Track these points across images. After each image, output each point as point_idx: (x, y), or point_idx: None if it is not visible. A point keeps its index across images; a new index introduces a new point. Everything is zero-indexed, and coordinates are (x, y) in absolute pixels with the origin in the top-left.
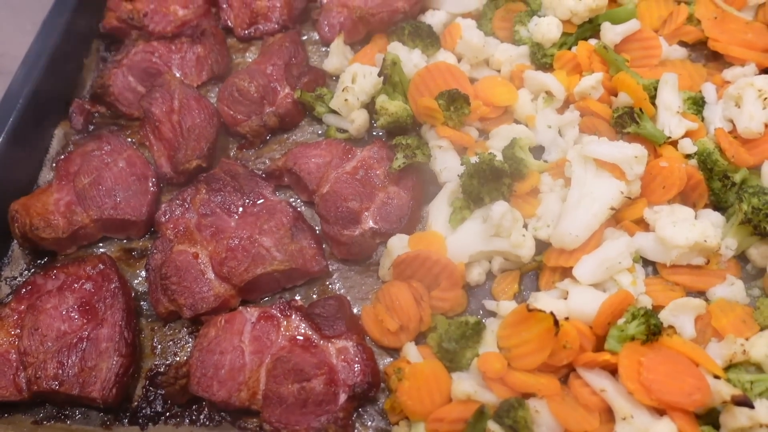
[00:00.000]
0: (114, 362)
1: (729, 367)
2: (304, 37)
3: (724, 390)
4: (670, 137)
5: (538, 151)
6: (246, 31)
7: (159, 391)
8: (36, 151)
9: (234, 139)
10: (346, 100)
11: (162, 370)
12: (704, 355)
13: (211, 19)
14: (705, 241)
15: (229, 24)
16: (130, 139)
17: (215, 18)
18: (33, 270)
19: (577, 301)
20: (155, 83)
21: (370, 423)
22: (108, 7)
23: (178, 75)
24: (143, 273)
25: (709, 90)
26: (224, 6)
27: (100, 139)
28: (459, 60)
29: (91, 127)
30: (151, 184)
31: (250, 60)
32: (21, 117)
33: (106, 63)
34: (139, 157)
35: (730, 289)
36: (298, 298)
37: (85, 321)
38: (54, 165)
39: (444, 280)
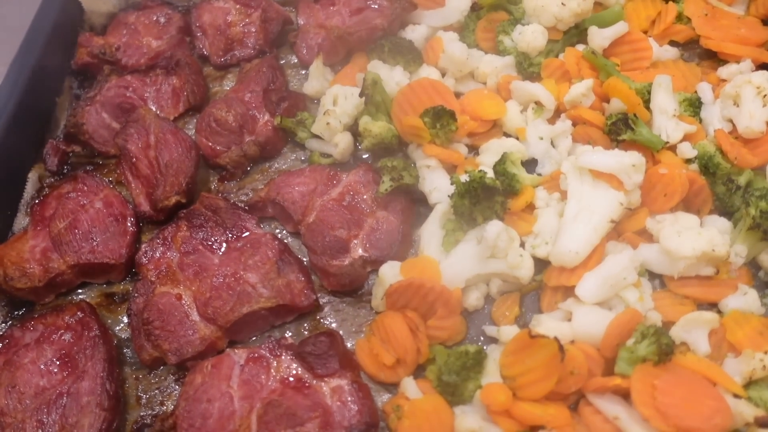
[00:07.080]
0: (96, 417)
1: (749, 384)
2: (282, 61)
3: (745, 411)
4: (668, 142)
5: (530, 164)
6: (222, 59)
7: None
8: (9, 196)
9: (214, 171)
10: (328, 123)
11: (148, 421)
12: (722, 373)
13: (186, 49)
14: (713, 249)
15: (205, 52)
16: (107, 178)
17: (190, 47)
18: (10, 322)
19: (582, 323)
20: (129, 119)
21: None
22: (79, 42)
23: (153, 108)
24: (125, 318)
25: (705, 90)
26: (198, 34)
27: (75, 180)
28: (443, 75)
29: (67, 168)
30: (129, 224)
31: (228, 88)
32: None
33: (79, 101)
34: (116, 197)
35: (744, 299)
36: (288, 335)
37: (65, 374)
38: (29, 210)
39: (440, 307)
